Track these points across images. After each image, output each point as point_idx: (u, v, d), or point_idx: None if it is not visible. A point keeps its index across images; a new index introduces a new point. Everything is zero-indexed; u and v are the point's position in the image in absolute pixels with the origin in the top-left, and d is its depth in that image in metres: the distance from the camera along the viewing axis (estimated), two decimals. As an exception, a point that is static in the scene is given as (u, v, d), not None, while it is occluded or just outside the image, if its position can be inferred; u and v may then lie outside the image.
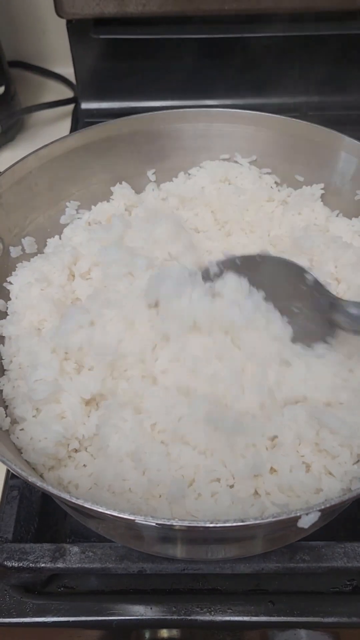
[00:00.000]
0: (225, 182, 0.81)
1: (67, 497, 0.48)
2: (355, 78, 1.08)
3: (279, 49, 1.02)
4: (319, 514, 0.46)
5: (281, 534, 0.58)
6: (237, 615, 0.63)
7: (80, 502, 0.47)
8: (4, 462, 0.52)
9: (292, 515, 0.46)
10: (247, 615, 0.63)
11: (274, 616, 0.63)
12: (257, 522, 0.45)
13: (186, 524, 0.46)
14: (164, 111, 0.83)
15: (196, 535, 0.55)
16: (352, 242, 0.72)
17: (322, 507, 0.46)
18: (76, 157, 0.80)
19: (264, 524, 0.45)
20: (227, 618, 0.63)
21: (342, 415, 0.58)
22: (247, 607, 0.63)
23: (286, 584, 0.65)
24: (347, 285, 0.69)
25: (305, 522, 0.46)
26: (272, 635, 0.65)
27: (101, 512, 0.47)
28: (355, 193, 0.73)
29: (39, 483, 0.50)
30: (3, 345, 0.69)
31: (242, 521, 0.46)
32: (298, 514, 0.46)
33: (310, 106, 1.10)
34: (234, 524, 0.46)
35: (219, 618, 0.63)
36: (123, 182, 0.82)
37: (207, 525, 0.46)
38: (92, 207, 0.82)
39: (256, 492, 0.57)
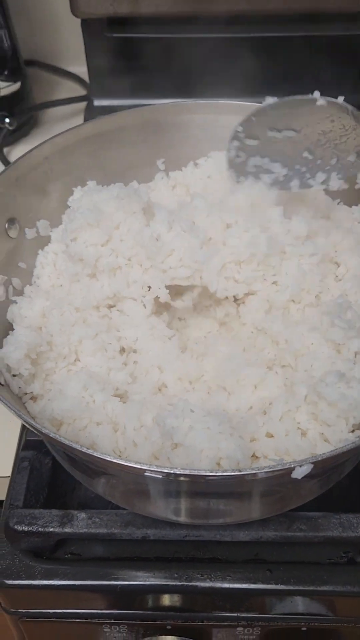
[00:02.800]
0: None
1: (78, 447, 0.51)
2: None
3: (291, 49, 1.05)
4: (311, 466, 0.49)
5: (279, 496, 0.61)
6: (236, 583, 0.65)
7: (90, 452, 0.50)
8: (22, 418, 0.55)
9: (287, 466, 0.49)
10: (246, 583, 0.65)
11: (271, 584, 0.65)
12: (255, 471, 0.48)
13: (187, 472, 0.49)
14: (173, 102, 0.87)
15: (197, 488, 0.58)
16: (352, 228, 0.75)
17: (315, 459, 0.49)
18: (89, 145, 0.83)
19: (261, 474, 0.48)
20: (227, 585, 0.65)
21: (342, 389, 0.61)
22: (245, 575, 0.66)
23: (284, 555, 0.68)
24: (345, 268, 0.72)
25: (299, 473, 0.49)
26: (270, 603, 0.68)
27: (109, 462, 0.50)
28: (355, 182, 0.76)
29: (56, 436, 0.53)
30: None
31: (240, 471, 0.50)
32: (292, 466, 0.49)
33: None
34: (233, 474, 0.50)
35: (218, 585, 0.65)
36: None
37: (207, 474, 0.49)
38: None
39: (254, 455, 0.60)
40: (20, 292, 0.75)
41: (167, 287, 0.69)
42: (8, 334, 0.69)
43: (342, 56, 1.11)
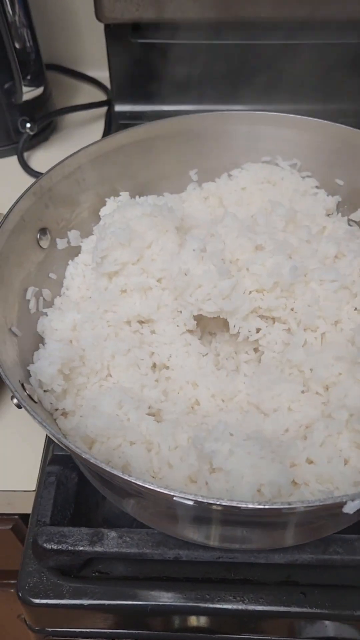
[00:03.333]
0: (268, 184, 0.83)
1: (118, 473, 0.49)
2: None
3: (317, 56, 1.04)
4: (364, 500, 0.47)
5: (318, 524, 0.59)
6: (269, 605, 0.64)
7: (126, 477, 0.49)
8: (55, 437, 0.53)
9: (338, 500, 0.47)
10: (279, 606, 0.64)
11: (305, 607, 0.64)
12: (304, 505, 0.46)
13: (228, 503, 0.47)
14: (208, 113, 0.85)
15: (231, 517, 0.56)
16: None
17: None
18: (122, 155, 0.82)
19: (311, 508, 0.47)
20: (259, 607, 0.64)
21: None
22: (279, 597, 0.64)
23: (317, 577, 0.66)
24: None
25: (351, 508, 0.47)
26: (300, 627, 0.66)
27: (142, 487, 0.48)
28: None
29: (90, 458, 0.51)
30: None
31: (289, 504, 0.48)
32: (344, 500, 0.47)
33: (347, 113, 1.11)
34: (281, 506, 0.48)
35: (251, 607, 0.64)
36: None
37: (256, 506, 0.47)
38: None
39: (294, 482, 0.58)
40: (50, 304, 0.74)
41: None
42: (39, 347, 0.68)
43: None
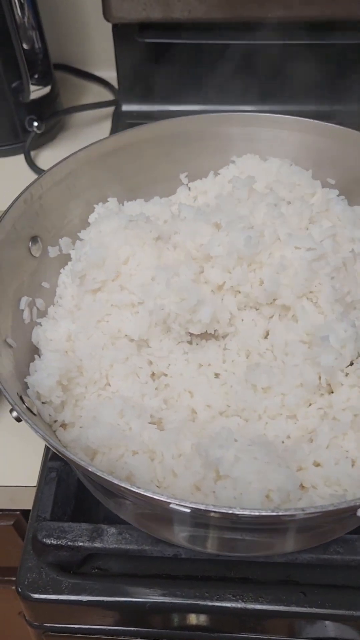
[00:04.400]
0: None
1: (118, 481, 0.48)
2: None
3: (322, 57, 1.04)
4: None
5: (324, 529, 0.59)
6: (269, 604, 0.63)
7: (128, 486, 0.48)
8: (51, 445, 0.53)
9: (352, 504, 0.46)
10: (279, 605, 0.63)
11: (305, 607, 0.63)
12: (319, 510, 0.46)
13: (257, 513, 0.46)
14: (195, 115, 0.85)
15: (246, 527, 0.56)
16: None
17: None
18: (111, 160, 0.81)
19: (326, 512, 0.46)
20: (259, 606, 0.63)
21: None
22: (279, 597, 0.64)
23: (317, 577, 0.66)
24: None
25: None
26: (299, 626, 0.66)
27: (138, 493, 0.47)
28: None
29: (94, 470, 0.50)
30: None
31: (303, 510, 0.47)
32: (358, 503, 0.46)
33: (349, 114, 1.11)
34: (296, 512, 0.47)
35: (250, 606, 0.63)
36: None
37: (268, 514, 0.46)
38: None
39: (302, 486, 0.58)
40: (43, 313, 0.73)
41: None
42: (34, 358, 0.68)
43: None
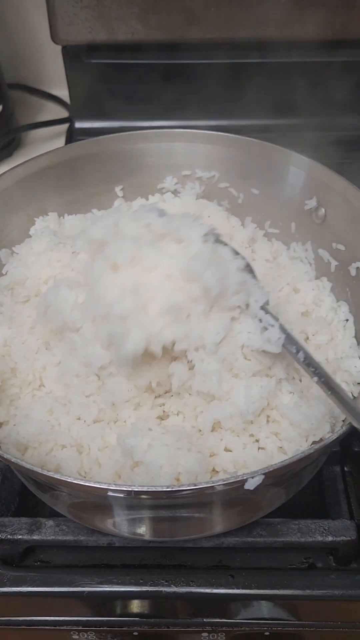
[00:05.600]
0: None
1: (44, 472, 0.53)
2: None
3: (264, 74, 1.10)
4: (262, 477, 0.51)
5: (240, 508, 0.63)
6: (199, 588, 0.67)
7: (51, 474, 0.52)
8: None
9: (239, 478, 0.51)
10: (208, 588, 0.67)
11: (233, 588, 0.67)
12: (209, 485, 0.51)
13: (146, 489, 0.51)
14: (128, 132, 0.90)
15: (159, 504, 0.60)
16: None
17: (266, 470, 0.51)
18: (49, 175, 0.86)
19: (216, 487, 0.50)
20: (190, 589, 0.67)
21: (305, 410, 0.63)
22: (208, 580, 0.67)
23: (247, 561, 0.70)
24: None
25: (251, 484, 0.51)
26: (234, 609, 0.70)
27: (70, 482, 0.52)
28: (304, 203, 0.80)
29: (21, 462, 0.54)
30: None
31: (195, 485, 0.52)
32: (245, 477, 0.51)
33: (284, 128, 1.17)
34: (189, 487, 0.52)
35: (182, 590, 0.67)
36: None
37: (165, 489, 0.51)
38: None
39: (214, 470, 0.62)
40: None
41: None
42: None
43: (308, 80, 1.15)
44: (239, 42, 1.11)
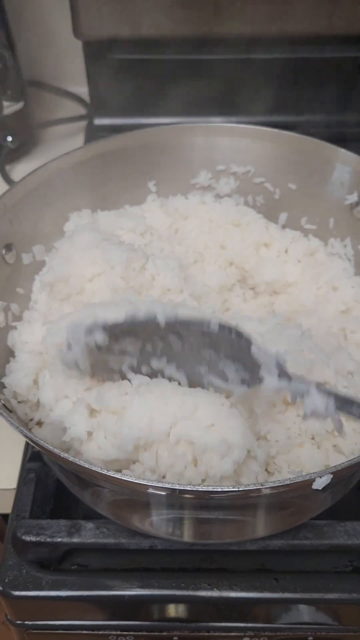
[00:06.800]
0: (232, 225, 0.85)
1: (94, 467, 0.51)
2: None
3: (287, 70, 1.09)
4: (331, 476, 0.49)
5: (291, 510, 0.62)
6: (243, 592, 0.66)
7: (95, 468, 0.51)
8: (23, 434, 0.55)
9: (307, 478, 0.49)
10: (252, 592, 0.66)
11: (277, 592, 0.66)
12: (275, 484, 0.49)
13: (204, 488, 0.49)
14: (164, 126, 0.89)
15: (213, 503, 0.58)
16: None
17: (334, 469, 0.50)
18: (83, 170, 0.85)
19: (281, 487, 0.49)
20: (233, 594, 0.66)
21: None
22: (252, 584, 0.66)
23: (290, 564, 0.68)
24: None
25: (319, 484, 0.50)
26: (276, 613, 0.68)
27: (114, 478, 0.50)
28: (344, 198, 0.79)
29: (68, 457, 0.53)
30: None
31: (262, 484, 0.50)
32: (312, 477, 0.49)
33: (314, 124, 1.16)
34: (254, 487, 0.50)
35: (225, 594, 0.66)
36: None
37: (229, 489, 0.49)
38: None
39: (267, 471, 0.61)
40: (19, 318, 0.75)
41: None
42: (9, 361, 0.70)
43: (339, 76, 1.14)
44: (267, 38, 1.09)
